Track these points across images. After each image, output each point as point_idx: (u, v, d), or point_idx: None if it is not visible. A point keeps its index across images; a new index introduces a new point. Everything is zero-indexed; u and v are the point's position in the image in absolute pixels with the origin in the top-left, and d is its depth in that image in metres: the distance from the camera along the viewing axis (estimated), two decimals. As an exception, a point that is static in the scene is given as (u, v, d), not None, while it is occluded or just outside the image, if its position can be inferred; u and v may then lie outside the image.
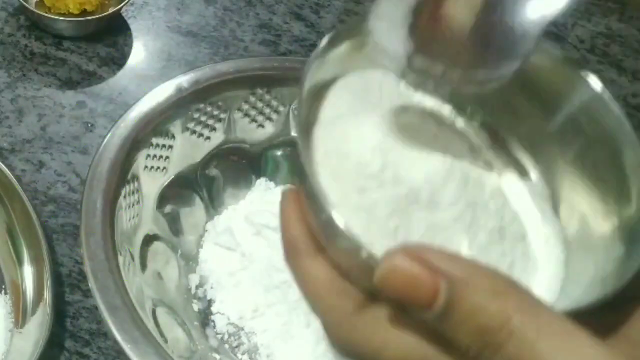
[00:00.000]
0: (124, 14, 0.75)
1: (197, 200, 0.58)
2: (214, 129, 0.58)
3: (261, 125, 0.60)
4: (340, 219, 0.26)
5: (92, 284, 0.46)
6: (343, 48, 0.31)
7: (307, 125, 0.30)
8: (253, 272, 0.55)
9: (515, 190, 0.32)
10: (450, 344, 0.24)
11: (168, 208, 0.56)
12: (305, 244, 0.28)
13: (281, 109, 0.60)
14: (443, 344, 0.24)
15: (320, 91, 0.31)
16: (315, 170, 0.28)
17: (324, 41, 0.30)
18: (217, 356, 0.51)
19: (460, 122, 0.34)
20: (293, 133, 0.60)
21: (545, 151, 0.33)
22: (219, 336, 0.53)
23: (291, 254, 0.28)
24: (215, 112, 0.58)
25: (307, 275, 0.28)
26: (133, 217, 0.52)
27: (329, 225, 0.26)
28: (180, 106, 0.56)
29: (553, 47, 0.31)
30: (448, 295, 0.23)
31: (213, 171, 0.59)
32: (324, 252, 0.28)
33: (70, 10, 0.71)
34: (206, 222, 0.58)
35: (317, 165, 0.28)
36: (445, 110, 0.33)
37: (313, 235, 0.28)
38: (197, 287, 0.55)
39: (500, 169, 0.33)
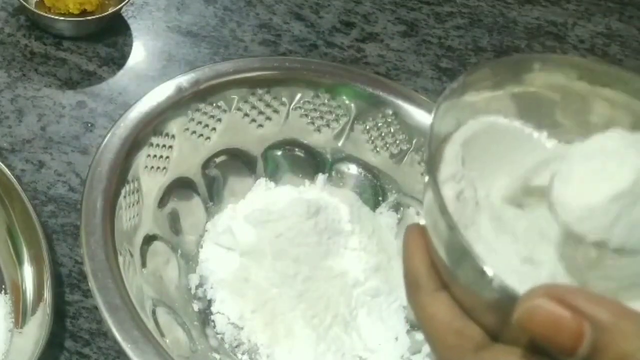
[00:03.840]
0: (124, 14, 0.75)
1: (197, 200, 0.58)
2: (214, 129, 0.58)
3: (261, 125, 0.60)
4: (479, 256, 0.25)
5: (92, 284, 0.46)
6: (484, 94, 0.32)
7: (434, 165, 0.30)
8: (253, 271, 0.55)
9: None
10: None
11: (168, 208, 0.56)
12: (427, 280, 0.28)
13: (281, 109, 0.60)
14: None
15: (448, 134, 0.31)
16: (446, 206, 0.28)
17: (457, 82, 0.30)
18: (217, 356, 0.51)
19: None
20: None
21: None
22: (219, 336, 0.53)
23: (412, 289, 0.28)
24: (215, 112, 0.58)
25: (427, 312, 0.27)
26: (133, 217, 0.52)
27: (463, 261, 0.26)
28: (180, 106, 0.56)
29: None
30: (593, 340, 0.22)
31: (213, 171, 0.59)
32: (445, 288, 0.27)
33: (70, 10, 0.71)
34: (206, 222, 0.58)
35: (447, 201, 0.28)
36: None
37: (435, 271, 0.28)
38: (197, 287, 0.55)
39: None
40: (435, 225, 0.28)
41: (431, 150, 0.30)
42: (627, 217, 0.26)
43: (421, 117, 0.59)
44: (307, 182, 0.62)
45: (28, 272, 0.54)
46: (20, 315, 0.52)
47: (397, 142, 0.60)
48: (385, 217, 0.60)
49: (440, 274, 0.28)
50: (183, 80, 0.57)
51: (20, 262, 0.54)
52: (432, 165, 0.29)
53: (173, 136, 0.56)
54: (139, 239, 0.52)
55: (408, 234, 0.29)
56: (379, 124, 0.60)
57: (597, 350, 0.22)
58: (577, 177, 0.28)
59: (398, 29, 0.80)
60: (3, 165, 0.57)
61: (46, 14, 0.71)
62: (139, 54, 0.73)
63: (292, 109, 0.60)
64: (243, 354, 0.53)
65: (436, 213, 0.27)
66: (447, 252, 0.27)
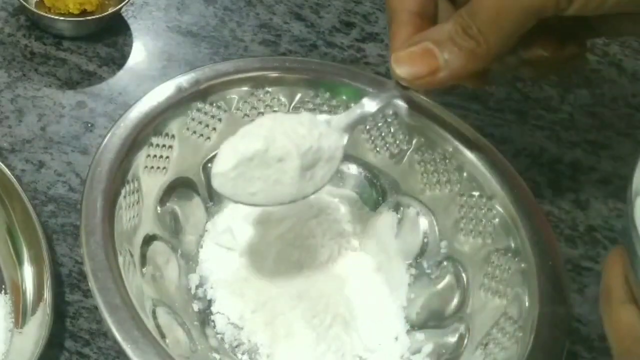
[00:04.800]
0: (124, 14, 0.75)
1: (197, 200, 0.58)
2: (214, 128, 0.58)
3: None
4: None
5: (92, 284, 0.46)
6: None
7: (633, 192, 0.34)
8: (253, 271, 0.56)
9: None
10: None
11: (168, 208, 0.56)
12: (618, 292, 0.33)
13: (281, 109, 0.60)
14: None
15: None
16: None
17: None
18: (217, 356, 0.51)
19: None
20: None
21: None
22: (219, 336, 0.53)
23: (604, 298, 0.34)
24: (216, 112, 0.58)
25: (613, 318, 0.33)
26: (133, 217, 0.52)
27: None
28: (180, 106, 0.56)
29: None
30: None
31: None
32: (634, 302, 0.32)
33: (70, 10, 0.71)
34: (206, 222, 0.58)
35: None
36: None
37: (628, 287, 0.33)
38: (197, 287, 0.55)
39: None
40: (628, 246, 0.32)
41: (636, 180, 0.33)
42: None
43: (421, 117, 0.59)
44: (307, 182, 0.62)
45: (28, 272, 0.54)
46: (20, 315, 0.52)
47: (397, 142, 0.60)
48: (385, 217, 0.60)
49: (631, 290, 0.33)
50: (183, 80, 0.57)
51: (20, 262, 0.54)
52: (632, 193, 0.33)
53: (173, 136, 0.56)
54: (139, 239, 0.52)
55: (611, 252, 0.34)
56: (379, 124, 0.60)
57: None
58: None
59: (398, 29, 0.80)
60: (3, 165, 0.57)
61: (46, 14, 0.71)
62: (139, 54, 0.73)
63: (292, 109, 0.60)
64: (243, 354, 0.53)
65: (629, 235, 0.31)
66: (637, 271, 0.31)
